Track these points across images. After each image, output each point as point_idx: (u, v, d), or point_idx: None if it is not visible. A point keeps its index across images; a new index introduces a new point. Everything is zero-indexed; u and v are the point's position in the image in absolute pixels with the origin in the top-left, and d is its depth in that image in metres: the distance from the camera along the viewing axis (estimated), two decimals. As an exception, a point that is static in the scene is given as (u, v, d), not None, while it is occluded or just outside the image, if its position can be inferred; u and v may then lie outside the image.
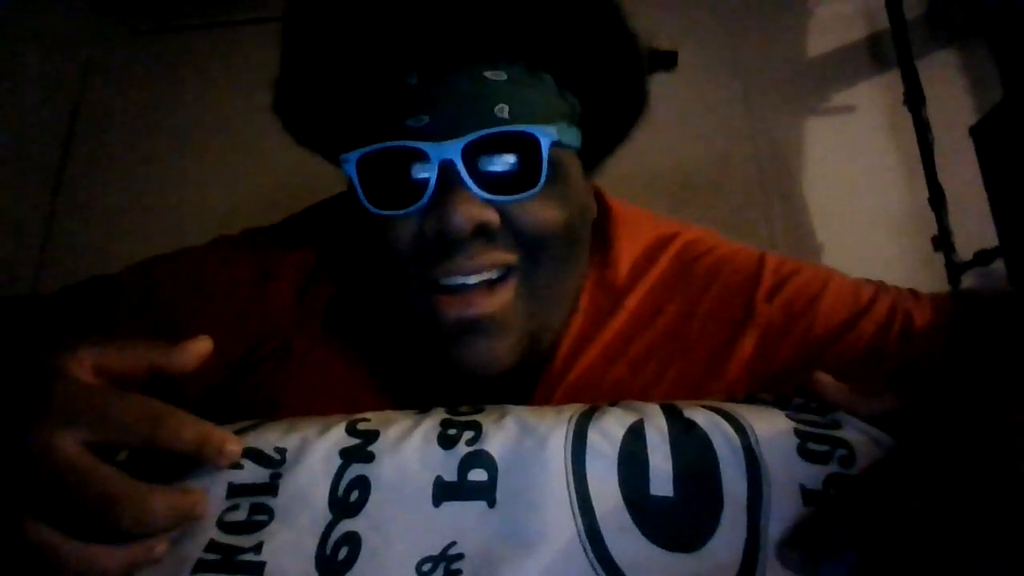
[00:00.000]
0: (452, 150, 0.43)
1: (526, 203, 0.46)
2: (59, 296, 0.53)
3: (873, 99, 1.53)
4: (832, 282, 0.54)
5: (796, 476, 0.35)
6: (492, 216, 0.45)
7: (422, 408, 0.41)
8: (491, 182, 0.45)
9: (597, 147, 0.55)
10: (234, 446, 0.35)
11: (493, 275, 0.46)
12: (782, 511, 0.34)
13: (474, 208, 0.44)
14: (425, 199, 0.44)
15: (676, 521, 0.34)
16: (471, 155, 0.44)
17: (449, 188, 0.43)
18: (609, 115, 0.53)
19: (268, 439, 0.37)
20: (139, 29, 1.74)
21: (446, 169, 0.44)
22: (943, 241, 1.35)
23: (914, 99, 1.41)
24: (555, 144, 0.46)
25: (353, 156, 0.45)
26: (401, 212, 0.45)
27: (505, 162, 0.45)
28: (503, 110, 0.45)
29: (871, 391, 0.39)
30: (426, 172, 0.44)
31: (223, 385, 0.52)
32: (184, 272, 0.54)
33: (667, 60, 1.55)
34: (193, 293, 0.53)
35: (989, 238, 1.26)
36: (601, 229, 0.57)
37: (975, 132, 1.27)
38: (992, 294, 0.52)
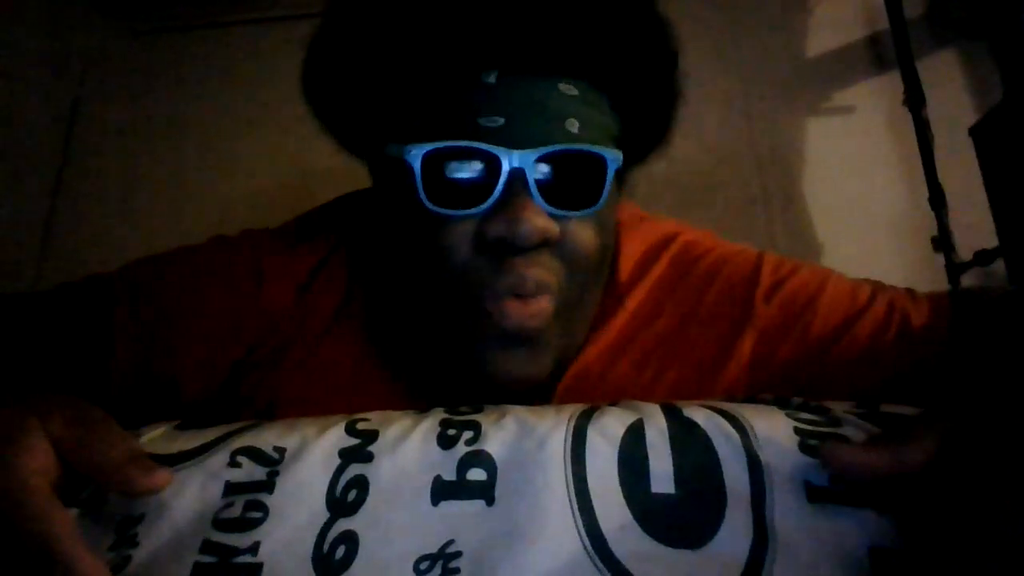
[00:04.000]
0: (526, 159, 0.43)
1: (575, 222, 0.46)
2: (57, 294, 0.53)
3: (873, 99, 1.53)
4: (830, 282, 0.54)
5: (800, 472, 0.35)
6: (556, 230, 0.44)
7: (421, 408, 0.41)
8: (553, 196, 0.44)
9: (629, 168, 0.55)
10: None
11: (539, 289, 0.46)
12: (788, 507, 0.34)
13: (543, 220, 0.43)
14: (490, 203, 0.44)
15: (679, 518, 0.34)
16: (540, 165, 0.44)
17: (516, 195, 0.43)
18: (641, 139, 0.54)
19: (267, 438, 0.37)
20: (139, 29, 1.74)
21: (516, 176, 0.43)
22: (943, 241, 1.35)
23: (914, 99, 1.41)
24: (616, 169, 0.46)
25: (420, 150, 0.44)
26: (461, 212, 0.44)
27: (570, 178, 0.45)
28: (573, 125, 0.45)
29: (896, 442, 0.33)
30: (493, 175, 0.44)
31: (223, 385, 0.52)
32: (182, 271, 0.54)
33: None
34: (191, 292, 0.53)
35: (989, 238, 1.26)
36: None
37: (975, 132, 1.27)
38: (989, 293, 0.52)
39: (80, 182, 1.62)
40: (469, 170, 0.44)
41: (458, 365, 0.48)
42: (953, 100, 1.47)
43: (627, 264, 0.56)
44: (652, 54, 0.49)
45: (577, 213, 0.46)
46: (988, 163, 1.25)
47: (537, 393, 0.50)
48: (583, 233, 0.47)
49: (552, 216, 0.44)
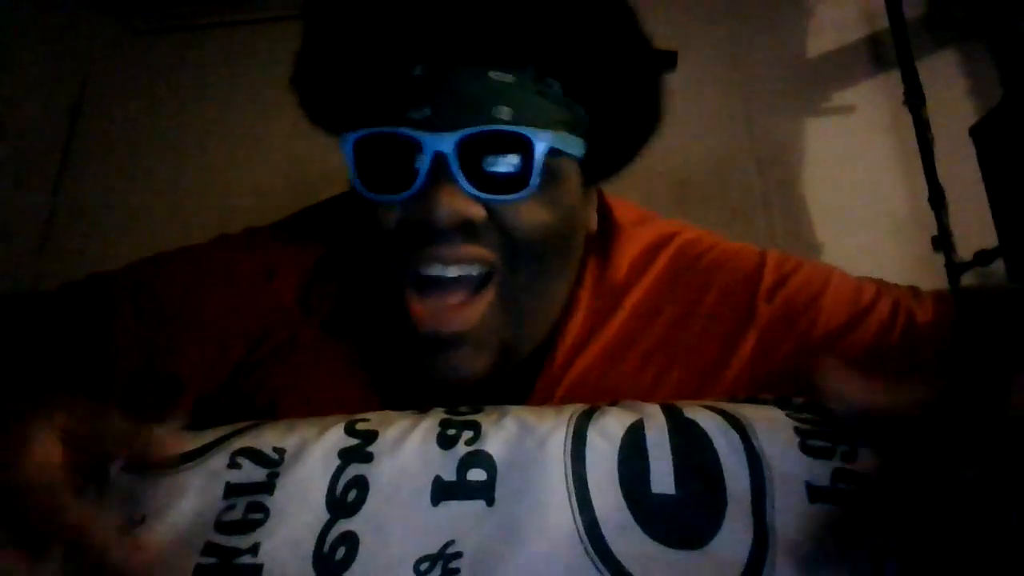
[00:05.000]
0: (446, 143, 0.44)
1: (514, 204, 0.46)
2: (59, 294, 0.53)
3: (873, 99, 1.53)
4: (833, 280, 0.54)
5: (800, 472, 0.35)
6: (477, 212, 0.45)
7: (419, 408, 0.41)
8: (482, 180, 0.45)
9: (603, 160, 0.54)
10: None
11: (472, 271, 0.46)
12: (789, 507, 0.34)
13: (460, 201, 0.44)
14: (414, 188, 0.45)
15: (679, 518, 0.34)
16: (465, 151, 0.44)
17: (438, 180, 0.44)
18: (617, 128, 0.53)
19: (267, 439, 0.37)
20: (139, 29, 1.74)
21: (438, 161, 0.44)
22: (943, 241, 1.35)
23: (914, 99, 1.41)
24: (552, 151, 0.46)
25: (351, 137, 0.46)
26: (388, 197, 0.46)
27: (498, 162, 0.46)
28: (503, 111, 0.45)
29: (890, 382, 0.35)
30: (419, 162, 0.45)
31: (224, 384, 0.52)
32: (185, 270, 0.54)
33: (667, 60, 1.55)
34: (194, 291, 0.53)
35: (989, 238, 1.26)
36: (601, 229, 0.57)
37: (975, 132, 1.27)
38: (991, 291, 0.52)
39: (80, 182, 1.62)
40: (396, 157, 0.46)
41: (406, 363, 0.49)
42: (953, 100, 1.47)
43: (624, 264, 0.56)
44: (599, 35, 0.48)
45: (507, 197, 0.46)
46: (988, 163, 1.25)
47: (519, 380, 0.50)
48: (527, 215, 0.47)
49: (479, 200, 0.45)
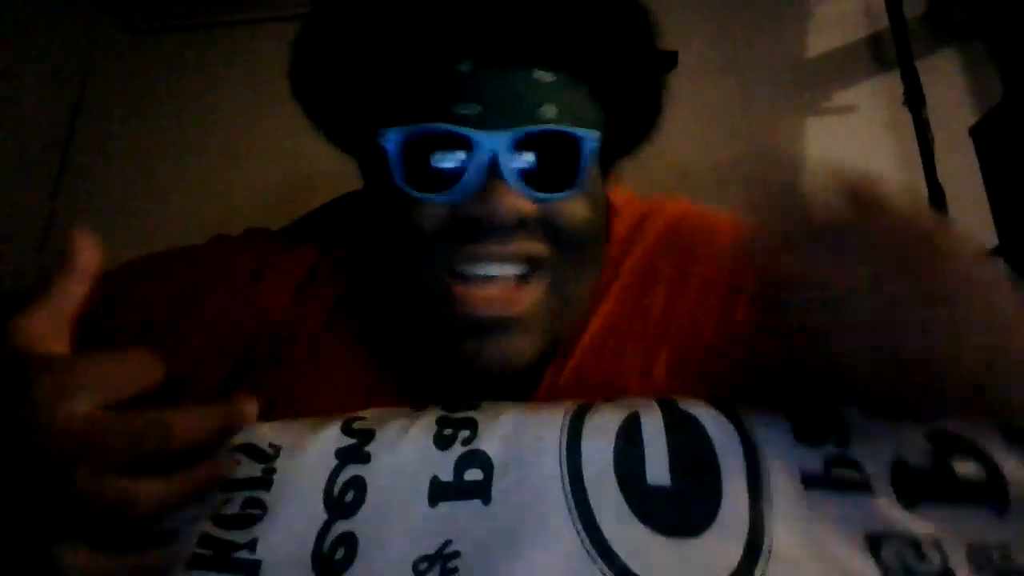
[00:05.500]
0: (501, 142, 0.44)
1: (560, 201, 0.46)
2: None
3: (873, 99, 1.53)
4: None
5: (794, 460, 0.36)
6: (531, 209, 0.45)
7: (424, 403, 0.41)
8: (530, 178, 0.45)
9: (612, 154, 0.55)
10: (251, 405, 0.36)
11: (520, 270, 0.46)
12: (783, 493, 0.34)
13: (516, 200, 0.44)
14: (466, 186, 0.44)
15: (675, 508, 0.34)
16: (516, 149, 0.45)
17: (491, 179, 0.44)
18: (628, 124, 0.54)
19: (263, 435, 0.38)
20: (139, 29, 1.74)
21: (491, 160, 0.44)
22: (943, 241, 1.35)
23: (914, 99, 1.41)
24: (592, 149, 0.47)
25: (396, 134, 0.45)
26: (435, 196, 0.45)
27: (546, 160, 0.46)
28: (550, 110, 0.46)
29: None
30: (468, 160, 0.44)
31: (222, 385, 0.52)
32: (182, 269, 0.54)
33: (667, 60, 1.55)
34: (191, 290, 0.53)
35: (989, 238, 1.26)
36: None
37: (975, 132, 1.27)
38: None
39: (80, 182, 1.62)
40: (445, 155, 0.45)
41: (437, 354, 0.48)
42: (953, 100, 1.47)
43: (617, 237, 0.57)
44: (629, 42, 0.50)
45: (557, 195, 0.46)
46: (988, 163, 1.25)
47: (525, 379, 0.50)
48: (569, 210, 0.47)
49: (532, 199, 0.45)
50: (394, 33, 0.47)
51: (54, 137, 1.63)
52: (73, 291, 0.36)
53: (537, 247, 0.47)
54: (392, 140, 0.45)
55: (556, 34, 0.46)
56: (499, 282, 0.46)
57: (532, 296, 0.47)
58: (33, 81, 1.58)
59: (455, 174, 0.45)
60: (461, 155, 0.45)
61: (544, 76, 0.46)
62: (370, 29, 0.48)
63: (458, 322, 0.46)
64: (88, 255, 0.37)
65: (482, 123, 0.44)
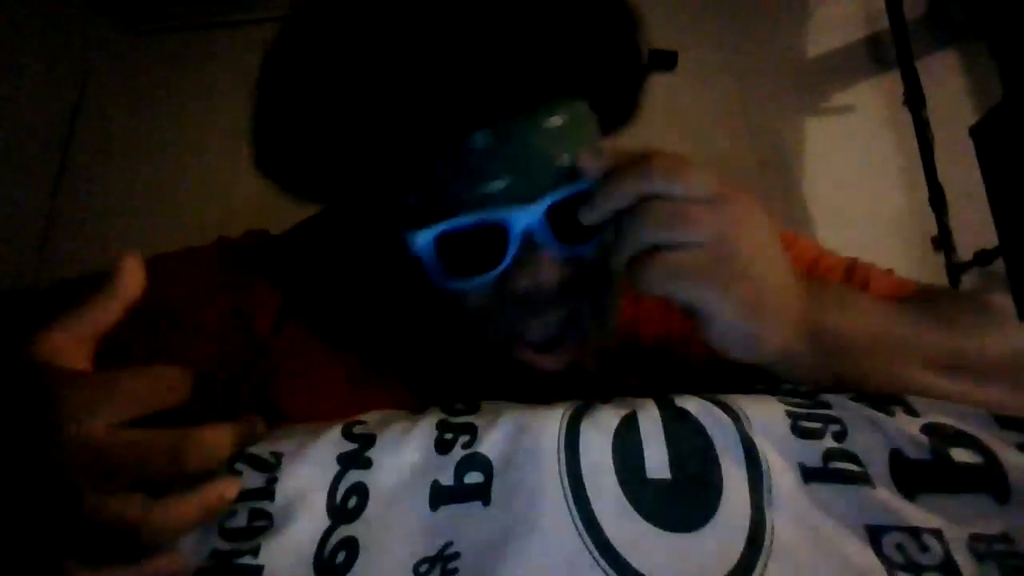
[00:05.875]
0: (534, 215, 0.41)
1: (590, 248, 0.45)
2: (54, 290, 0.53)
3: (873, 99, 1.53)
4: (796, 245, 0.56)
5: (793, 455, 0.36)
6: (569, 272, 0.44)
7: (425, 404, 0.41)
8: (564, 234, 0.43)
9: None
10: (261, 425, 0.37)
11: (569, 323, 0.46)
12: (783, 487, 0.35)
13: (559, 267, 0.43)
14: (507, 263, 0.42)
15: (675, 502, 0.34)
16: (547, 217, 0.43)
17: (531, 249, 0.42)
18: (611, 115, 0.53)
19: (263, 444, 0.37)
20: (139, 29, 1.74)
21: (526, 233, 0.42)
22: (943, 241, 1.35)
23: (914, 99, 1.41)
24: None
25: (431, 233, 0.42)
26: (479, 280, 0.43)
27: (572, 215, 0.43)
28: (564, 158, 0.43)
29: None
30: (504, 236, 0.42)
31: (222, 396, 0.51)
32: (183, 271, 0.54)
33: (667, 60, 1.55)
34: (192, 293, 0.52)
35: (989, 238, 1.26)
36: None
37: (975, 132, 1.27)
38: (956, 291, 0.54)
39: (80, 182, 1.62)
40: (480, 237, 0.43)
41: (476, 374, 0.47)
42: (953, 100, 1.48)
43: None
44: (626, 46, 0.48)
45: (589, 244, 0.44)
46: (988, 163, 1.25)
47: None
48: (598, 252, 0.46)
49: (570, 257, 0.44)
50: (390, 120, 0.42)
51: (54, 137, 1.64)
52: (108, 313, 0.36)
53: (576, 303, 0.45)
54: (428, 240, 0.42)
55: (553, 71, 0.42)
56: (564, 346, 0.45)
57: (585, 342, 0.47)
58: (33, 81, 1.58)
59: (494, 255, 0.42)
60: (494, 233, 0.42)
61: (552, 122, 0.43)
62: (360, 115, 0.43)
63: (518, 363, 0.46)
64: (133, 282, 0.37)
65: (510, 196, 0.41)
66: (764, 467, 0.35)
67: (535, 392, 0.44)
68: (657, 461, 0.35)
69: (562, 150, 0.43)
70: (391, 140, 0.42)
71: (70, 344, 0.35)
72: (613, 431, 0.37)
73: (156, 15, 1.73)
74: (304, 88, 0.44)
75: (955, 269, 1.33)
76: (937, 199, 1.36)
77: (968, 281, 1.34)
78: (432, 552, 0.33)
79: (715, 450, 0.36)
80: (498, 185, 0.41)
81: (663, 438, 0.36)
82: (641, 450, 0.36)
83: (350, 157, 0.44)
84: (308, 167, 0.47)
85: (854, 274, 0.55)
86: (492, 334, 0.45)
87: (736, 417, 0.37)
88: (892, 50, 1.48)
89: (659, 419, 0.37)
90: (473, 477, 0.35)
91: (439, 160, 0.42)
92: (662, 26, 1.53)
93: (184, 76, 1.69)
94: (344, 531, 0.34)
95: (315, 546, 0.34)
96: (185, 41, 1.73)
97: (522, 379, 0.46)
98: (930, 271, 1.35)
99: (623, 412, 0.38)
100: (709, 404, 0.38)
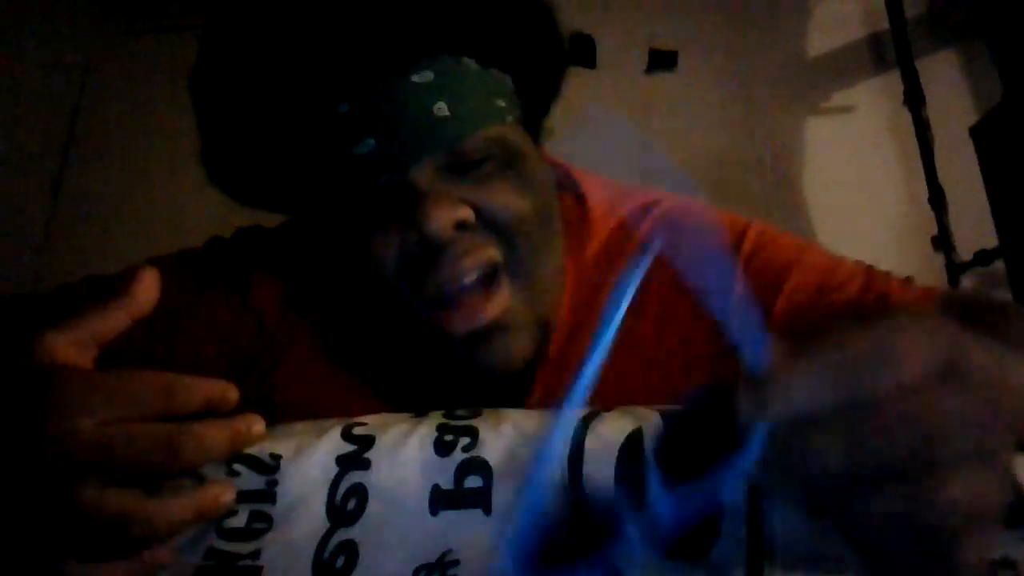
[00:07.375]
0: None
1: (495, 194, 0.46)
2: (54, 295, 0.53)
3: (873, 99, 1.53)
4: (807, 258, 0.54)
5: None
6: (467, 213, 0.45)
7: (418, 411, 0.41)
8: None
9: (535, 113, 0.54)
10: (232, 394, 0.36)
11: (481, 272, 0.46)
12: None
13: (448, 209, 0.43)
14: (394, 218, 0.44)
15: (676, 529, 0.34)
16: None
17: (417, 200, 0.44)
18: (539, 80, 0.53)
19: (263, 445, 0.37)
20: (139, 29, 1.74)
21: (410, 185, 0.44)
22: (943, 241, 1.35)
23: (914, 99, 1.41)
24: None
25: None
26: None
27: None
28: (441, 109, 0.44)
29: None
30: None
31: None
32: (181, 274, 0.54)
33: (667, 60, 1.55)
34: (188, 295, 0.52)
35: (989, 238, 1.26)
36: (574, 209, 0.57)
37: (975, 132, 1.27)
38: (983, 298, 0.52)
39: (80, 182, 1.62)
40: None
41: (438, 367, 0.48)
42: (953, 100, 1.48)
43: (602, 238, 0.55)
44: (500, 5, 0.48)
45: (483, 168, 0.46)
46: (988, 163, 1.25)
47: (519, 374, 0.50)
48: (503, 200, 0.46)
49: (461, 198, 0.44)
50: (269, 100, 0.47)
51: (54, 137, 1.64)
52: (116, 321, 0.36)
53: (488, 251, 0.46)
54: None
55: (412, 33, 0.44)
56: (467, 296, 0.45)
57: (502, 297, 0.46)
58: (33, 81, 1.58)
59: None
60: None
61: (423, 77, 0.44)
62: (249, 101, 0.48)
63: (452, 340, 0.46)
64: (146, 295, 0.37)
65: (385, 155, 0.44)
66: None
67: (493, 396, 0.43)
68: (659, 484, 0.35)
69: (437, 101, 0.44)
70: (282, 121, 0.47)
71: (73, 348, 0.35)
72: (617, 448, 0.36)
73: (156, 15, 1.73)
74: (209, 91, 0.51)
75: (955, 269, 1.33)
76: (937, 199, 1.36)
77: (968, 281, 1.34)
78: (432, 559, 0.33)
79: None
80: (368, 144, 0.44)
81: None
82: (644, 472, 0.36)
83: (265, 147, 0.49)
84: (236, 165, 0.51)
85: (872, 285, 0.52)
86: (405, 300, 0.46)
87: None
88: (892, 50, 1.47)
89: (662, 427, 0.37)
90: (472, 481, 0.35)
91: (316, 130, 0.46)
92: (662, 26, 1.53)
93: (184, 76, 1.69)
94: (343, 534, 0.34)
95: (314, 549, 0.34)
96: (185, 41, 1.72)
97: (483, 383, 0.46)
98: (930, 271, 1.35)
99: (628, 428, 0.38)
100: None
